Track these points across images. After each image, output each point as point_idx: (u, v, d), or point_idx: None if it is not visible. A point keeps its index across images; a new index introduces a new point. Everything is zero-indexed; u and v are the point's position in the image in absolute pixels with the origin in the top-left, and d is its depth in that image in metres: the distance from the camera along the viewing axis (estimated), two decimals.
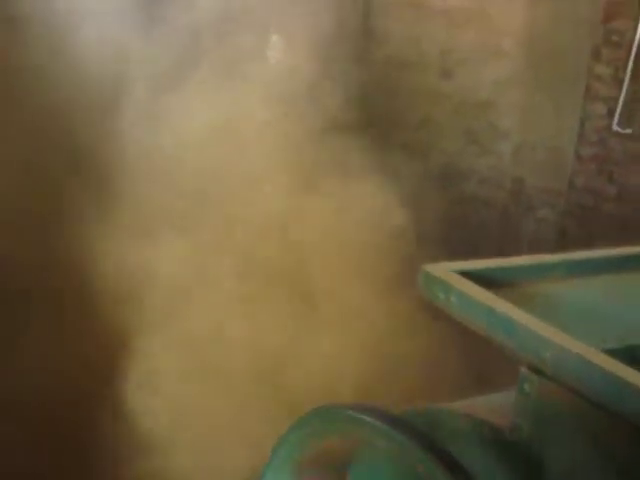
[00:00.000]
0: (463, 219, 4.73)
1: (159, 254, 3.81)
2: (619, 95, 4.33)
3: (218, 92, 4.14)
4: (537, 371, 1.42)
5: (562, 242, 4.56)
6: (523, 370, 1.44)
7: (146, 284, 3.73)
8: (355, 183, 4.29)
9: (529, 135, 4.70)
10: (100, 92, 3.98)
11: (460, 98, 4.77)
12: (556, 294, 1.57)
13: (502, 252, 4.55)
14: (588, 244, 4.40)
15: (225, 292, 3.84)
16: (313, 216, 4.15)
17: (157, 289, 3.75)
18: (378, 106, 4.75)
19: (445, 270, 1.49)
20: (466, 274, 1.51)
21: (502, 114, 4.73)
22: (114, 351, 3.65)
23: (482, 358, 2.60)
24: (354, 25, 4.85)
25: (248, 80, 4.27)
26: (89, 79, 3.95)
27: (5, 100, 3.73)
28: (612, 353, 1.34)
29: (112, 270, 3.80)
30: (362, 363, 3.79)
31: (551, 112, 4.64)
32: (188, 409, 3.63)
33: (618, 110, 4.34)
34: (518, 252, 4.53)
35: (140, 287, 3.73)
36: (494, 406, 1.62)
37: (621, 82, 4.31)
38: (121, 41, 4.08)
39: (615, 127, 4.36)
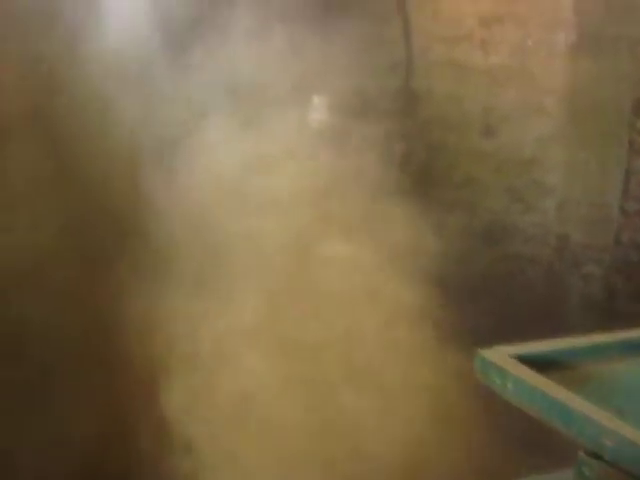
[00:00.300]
0: (508, 277, 4.72)
1: (207, 311, 3.82)
2: None
3: (257, 149, 4.19)
4: (595, 456, 1.42)
5: (609, 298, 4.54)
6: (581, 454, 1.45)
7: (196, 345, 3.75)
8: (398, 241, 4.30)
9: (573, 191, 4.70)
10: (135, 141, 4.01)
11: (503, 156, 4.79)
12: (611, 375, 1.58)
13: (548, 309, 4.59)
14: (635, 300, 4.41)
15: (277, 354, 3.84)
16: (353, 272, 4.16)
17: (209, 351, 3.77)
18: (421, 165, 4.79)
19: (501, 355, 1.50)
20: (522, 358, 1.52)
21: (546, 171, 4.74)
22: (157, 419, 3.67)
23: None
24: (396, 86, 4.90)
25: (289, 139, 4.32)
26: (120, 126, 3.97)
27: (43, 153, 3.76)
28: None
29: (159, 331, 3.83)
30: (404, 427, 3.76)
31: (595, 168, 4.65)
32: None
33: None
34: (564, 309, 4.57)
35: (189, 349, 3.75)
36: None
37: None
38: (161, 91, 4.12)
39: None
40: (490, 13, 4.77)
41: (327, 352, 3.89)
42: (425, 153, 4.87)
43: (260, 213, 4.00)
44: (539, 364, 1.53)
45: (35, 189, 3.58)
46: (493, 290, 4.50)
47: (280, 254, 4.02)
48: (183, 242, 3.90)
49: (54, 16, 3.86)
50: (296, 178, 4.14)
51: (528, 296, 4.70)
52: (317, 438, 3.70)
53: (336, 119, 4.69)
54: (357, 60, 4.63)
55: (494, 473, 3.14)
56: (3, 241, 3.44)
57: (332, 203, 4.16)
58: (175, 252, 3.88)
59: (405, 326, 4.10)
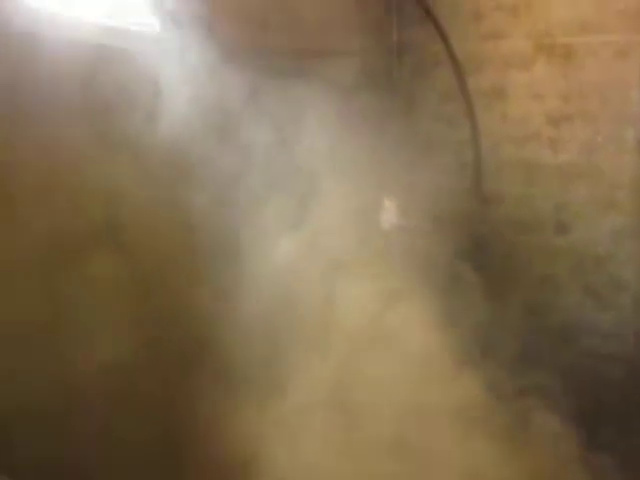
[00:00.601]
0: (587, 374, 4.65)
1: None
2: None
3: (323, 247, 4.22)
4: None
5: None
6: None
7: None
8: (473, 340, 4.29)
9: None
10: (200, 238, 4.05)
11: (577, 252, 4.77)
12: None
13: (629, 407, 4.49)
14: None
15: None
16: (426, 370, 4.14)
17: None
18: (495, 265, 4.80)
19: None
20: None
21: (620, 266, 4.69)
22: None
23: None
24: (466, 186, 4.96)
25: (355, 238, 4.36)
26: (184, 223, 4.01)
27: (117, 263, 3.83)
28: None
29: (235, 434, 3.86)
30: None
31: None
32: None
33: None
34: None
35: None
36: None
37: None
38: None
39: None
40: (558, 111, 4.82)
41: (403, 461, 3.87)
42: (498, 253, 4.88)
43: (329, 313, 4.04)
44: None
45: (113, 300, 3.69)
46: (572, 389, 4.42)
47: (351, 354, 4.04)
48: (255, 344, 3.94)
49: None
50: (364, 275, 4.18)
51: (608, 394, 4.61)
52: None
53: (405, 220, 4.74)
54: (426, 161, 4.71)
55: None
56: (85, 358, 3.54)
57: (403, 303, 4.18)
58: (248, 355, 3.92)
59: (479, 423, 4.06)
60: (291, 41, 4.44)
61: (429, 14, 5.08)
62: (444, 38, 5.06)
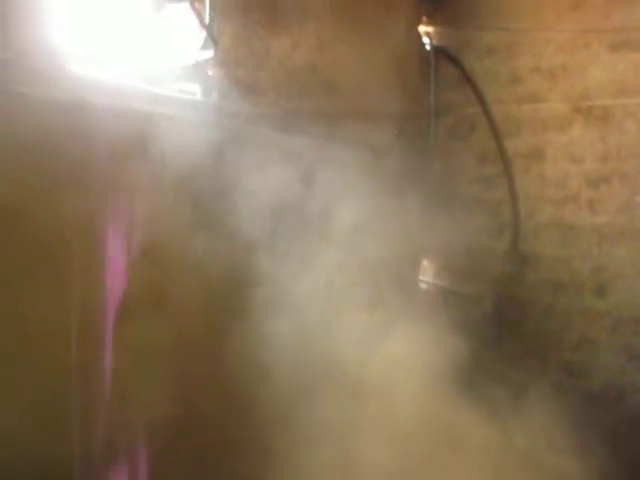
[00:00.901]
0: (630, 436, 4.59)
1: None
2: None
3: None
4: None
5: None
6: None
7: None
8: (513, 404, 4.27)
9: None
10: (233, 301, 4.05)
11: (617, 314, 4.74)
12: None
13: None
14: None
15: None
16: (469, 433, 4.11)
17: None
18: (533, 327, 4.80)
19: None
20: None
21: None
22: None
23: None
24: (504, 248, 4.97)
25: (398, 306, 4.36)
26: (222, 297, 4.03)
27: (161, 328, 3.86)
28: None
29: None
30: None
31: None
32: None
33: None
34: None
35: None
36: None
37: None
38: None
39: None
40: (596, 173, 4.83)
41: None
42: (536, 314, 4.87)
43: (362, 370, 4.05)
44: None
45: (153, 362, 3.72)
46: (618, 451, 4.37)
47: (384, 410, 4.04)
48: (290, 403, 3.95)
49: None
50: (400, 334, 4.18)
51: None
52: None
53: (443, 280, 4.75)
54: (463, 222, 4.73)
55: None
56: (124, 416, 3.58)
57: (438, 361, 4.18)
58: (283, 413, 3.94)
59: None
60: (328, 105, 4.50)
61: (466, 77, 5.14)
62: (481, 101, 5.11)
